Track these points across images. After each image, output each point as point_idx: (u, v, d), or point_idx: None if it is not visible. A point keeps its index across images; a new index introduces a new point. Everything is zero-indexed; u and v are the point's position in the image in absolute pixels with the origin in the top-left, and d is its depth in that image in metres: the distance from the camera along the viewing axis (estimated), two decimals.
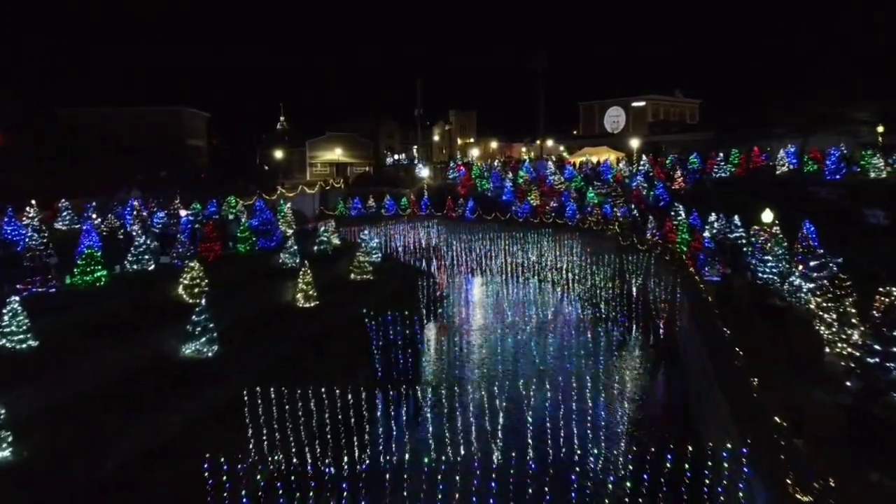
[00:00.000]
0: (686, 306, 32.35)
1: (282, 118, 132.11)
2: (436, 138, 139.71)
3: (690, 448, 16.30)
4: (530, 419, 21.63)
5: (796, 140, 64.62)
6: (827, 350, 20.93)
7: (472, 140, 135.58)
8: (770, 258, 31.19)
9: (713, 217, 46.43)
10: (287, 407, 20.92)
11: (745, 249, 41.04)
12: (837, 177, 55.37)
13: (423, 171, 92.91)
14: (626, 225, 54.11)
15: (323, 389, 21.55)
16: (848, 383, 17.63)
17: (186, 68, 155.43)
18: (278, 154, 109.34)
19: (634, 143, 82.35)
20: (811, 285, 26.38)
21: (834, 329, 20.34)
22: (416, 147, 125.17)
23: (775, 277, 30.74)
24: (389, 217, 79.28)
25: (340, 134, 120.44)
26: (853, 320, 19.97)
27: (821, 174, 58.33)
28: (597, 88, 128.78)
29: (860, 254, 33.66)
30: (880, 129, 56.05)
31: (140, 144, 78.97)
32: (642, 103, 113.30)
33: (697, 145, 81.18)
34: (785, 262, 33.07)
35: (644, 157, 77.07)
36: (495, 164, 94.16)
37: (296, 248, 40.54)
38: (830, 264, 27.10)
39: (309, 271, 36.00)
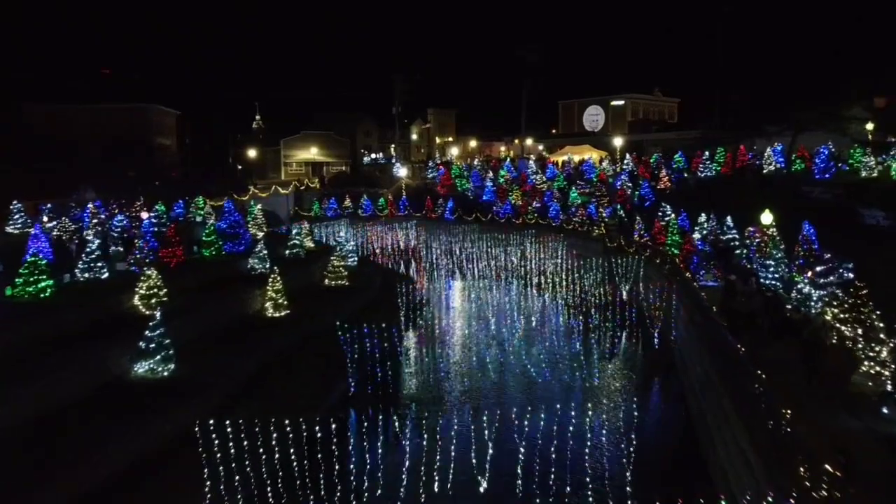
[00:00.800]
0: (683, 315, 30.35)
1: (257, 117, 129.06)
2: (414, 137, 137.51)
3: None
4: (520, 447, 19.31)
5: (784, 138, 63.15)
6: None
7: (450, 139, 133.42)
8: (771, 262, 29.23)
9: (703, 218, 44.63)
10: (250, 438, 18.41)
11: (738, 252, 39.29)
12: (827, 176, 53.85)
13: (401, 171, 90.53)
14: (612, 226, 52.15)
15: (288, 420, 19.04)
16: (884, 409, 15.63)
17: (160, 66, 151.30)
18: (252, 153, 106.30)
19: (618, 141, 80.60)
20: (820, 293, 24.44)
21: (860, 345, 18.31)
22: (393, 146, 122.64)
23: (778, 284, 28.81)
24: (366, 218, 76.84)
25: (316, 132, 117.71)
26: (881, 335, 17.95)
27: (809, 173, 56.89)
28: (575, 87, 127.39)
29: (862, 258, 31.95)
30: (870, 126, 54.69)
31: (105, 143, 75.65)
32: (622, 102, 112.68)
33: (681, 143, 79.72)
34: (784, 267, 31.22)
35: (628, 156, 75.29)
36: (475, 163, 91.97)
37: (265, 252, 37.97)
38: (841, 270, 25.17)
39: (279, 278, 33.50)
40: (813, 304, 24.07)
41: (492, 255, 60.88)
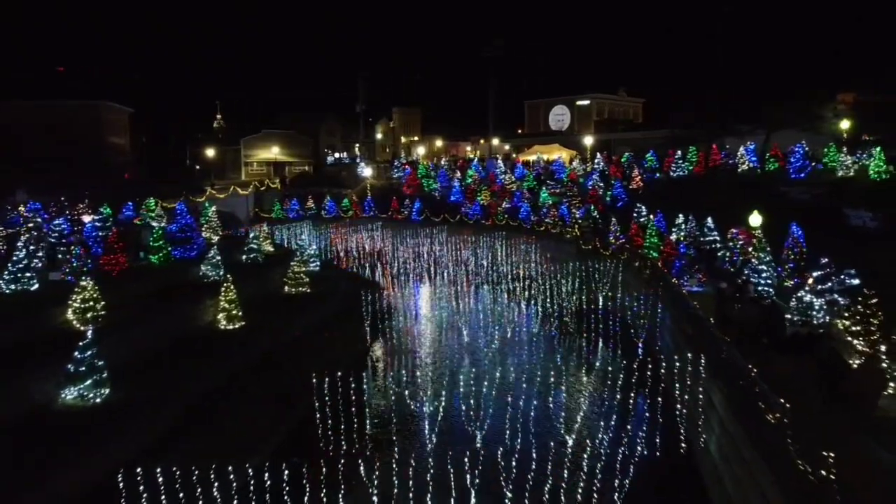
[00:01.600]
0: (669, 324, 28.37)
1: (218, 116, 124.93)
2: (379, 136, 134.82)
3: None
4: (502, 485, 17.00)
5: (756, 137, 62.03)
6: None
7: (416, 138, 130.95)
8: (763, 267, 27.38)
9: (680, 219, 42.93)
10: (185, 487, 15.73)
11: (720, 255, 37.59)
12: (802, 175, 52.77)
13: (366, 171, 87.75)
14: (586, 228, 50.20)
15: (230, 466, 16.38)
16: None
17: (116, 63, 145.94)
18: (210, 153, 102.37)
19: (588, 140, 78.95)
20: (821, 302, 22.58)
21: (885, 363, 16.38)
22: (358, 145, 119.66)
23: (770, 290, 26.99)
24: (330, 219, 73.96)
25: (278, 131, 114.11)
26: None
27: (784, 172, 55.80)
28: (541, 87, 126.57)
29: (852, 260, 30.37)
30: (845, 124, 53.74)
31: (50, 141, 71.43)
32: (587, 102, 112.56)
33: (650, 142, 78.51)
34: (772, 271, 29.48)
35: (599, 155, 73.69)
36: (442, 162, 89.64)
37: (219, 258, 35.02)
38: (843, 276, 23.37)
39: (233, 286, 30.65)
40: (816, 313, 22.17)
41: (461, 258, 58.58)
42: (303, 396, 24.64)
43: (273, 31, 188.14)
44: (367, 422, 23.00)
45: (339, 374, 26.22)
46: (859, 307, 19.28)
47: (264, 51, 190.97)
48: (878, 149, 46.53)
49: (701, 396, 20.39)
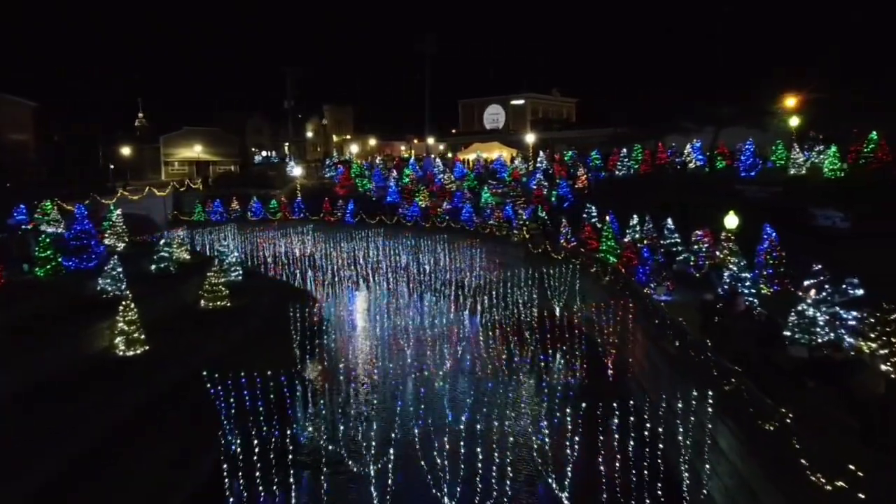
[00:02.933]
0: (640, 340, 25.08)
1: (140, 114, 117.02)
2: (309, 135, 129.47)
3: None
4: None
5: (704, 135, 60.14)
6: None
7: (348, 137, 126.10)
8: (747, 275, 24.38)
9: (635, 220, 40.05)
10: None
11: (680, 259, 34.71)
12: (753, 174, 50.89)
13: (296, 170, 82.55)
14: (534, 230, 46.82)
15: None
16: None
17: (27, 56, 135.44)
18: (126, 151, 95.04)
19: (530, 138, 76.02)
20: (825, 316, 19.56)
21: None
22: (287, 144, 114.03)
23: (754, 301, 23.98)
24: (257, 222, 68.65)
25: (201, 128, 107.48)
26: None
27: (732, 170, 53.96)
28: (474, 87, 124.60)
29: (829, 266, 27.82)
30: (795, 121, 52.14)
31: None
32: (522, 102, 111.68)
33: (591, 141, 76.40)
34: (745, 277, 26.55)
35: (542, 154, 70.82)
36: (377, 161, 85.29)
37: (120, 269, 29.97)
38: (846, 286, 20.43)
39: (133, 304, 25.84)
40: (820, 330, 19.12)
41: (401, 263, 54.44)
42: (213, 441, 20.15)
43: (199, 26, 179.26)
44: (292, 476, 18.62)
45: (261, 408, 21.87)
46: (885, 326, 16.19)
47: (190, 47, 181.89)
48: (833, 147, 44.82)
49: (688, 431, 17.02)
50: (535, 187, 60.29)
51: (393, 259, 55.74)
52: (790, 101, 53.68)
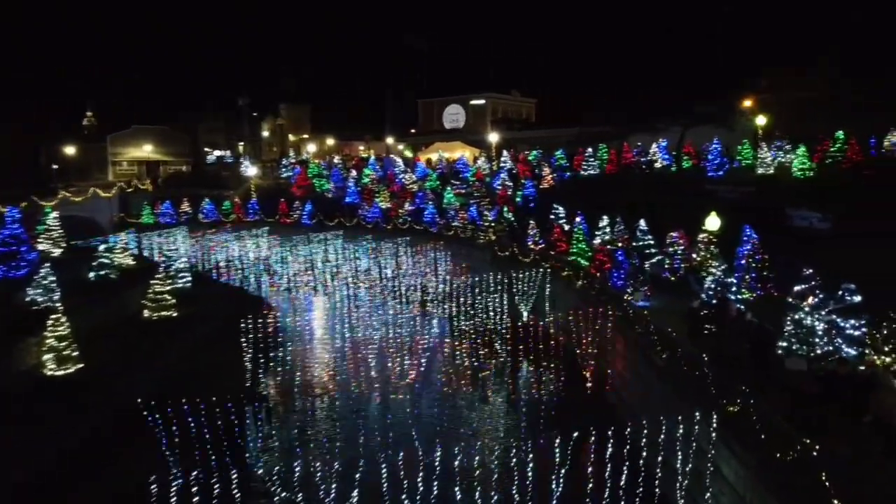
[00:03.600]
0: (622, 350, 23.49)
1: (88, 113, 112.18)
2: (265, 134, 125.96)
3: None
4: None
5: (669, 134, 59.38)
6: None
7: (306, 136, 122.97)
8: (732, 280, 22.95)
9: (605, 221, 38.59)
10: None
11: (654, 261, 33.32)
12: (721, 173, 50.02)
13: (250, 170, 79.56)
14: (501, 232, 45.07)
15: None
16: None
17: None
18: (71, 150, 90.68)
19: (493, 137, 74.38)
20: (822, 325, 18.16)
21: None
22: (242, 143, 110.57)
23: (741, 307, 22.54)
24: (209, 224, 65.55)
25: (150, 127, 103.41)
26: None
27: (699, 170, 53.10)
28: (433, 87, 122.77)
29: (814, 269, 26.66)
30: (761, 120, 51.50)
31: None
32: (482, 102, 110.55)
33: (554, 141, 75.11)
34: (724, 280, 25.21)
35: (506, 153, 69.22)
36: (336, 160, 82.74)
37: (53, 277, 27.28)
38: (843, 293, 19.06)
39: (64, 317, 23.24)
40: (819, 340, 17.70)
41: (361, 267, 52.15)
42: (162, 466, 17.80)
43: (150, 21, 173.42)
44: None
45: (207, 434, 19.59)
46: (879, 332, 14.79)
47: (142, 43, 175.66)
48: (802, 147, 44.13)
49: (687, 456, 15.40)
50: (499, 188, 58.66)
51: (353, 263, 53.41)
52: (753, 101, 53.22)
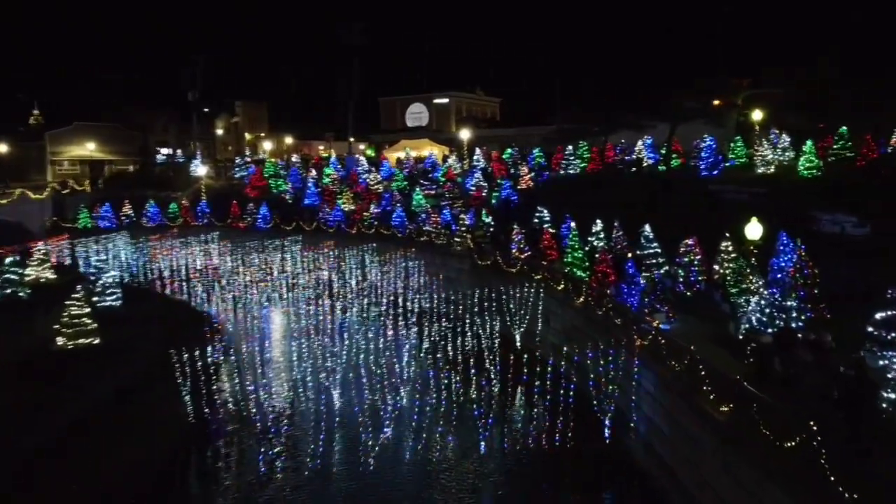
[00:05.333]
0: (655, 391, 18.82)
1: (35, 111, 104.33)
2: (220, 132, 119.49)
3: None
4: None
5: (655, 131, 55.33)
6: None
7: (263, 135, 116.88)
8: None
9: (598, 226, 34.11)
10: None
11: (664, 272, 28.90)
12: (715, 172, 46.01)
13: (200, 169, 73.38)
14: (481, 237, 40.19)
15: None
16: None
17: None
18: (2, 149, 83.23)
19: (465, 134, 69.58)
20: None
21: None
22: (194, 142, 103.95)
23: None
24: (152, 229, 59.43)
25: (94, 124, 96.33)
26: None
27: (692, 169, 49.10)
28: (395, 85, 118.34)
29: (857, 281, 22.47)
30: (758, 115, 47.74)
31: None
32: (445, 100, 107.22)
33: (529, 139, 70.79)
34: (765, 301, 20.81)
35: (478, 151, 64.52)
36: (294, 159, 77.10)
37: None
38: None
39: None
40: None
41: (323, 279, 46.75)
42: None
43: (97, 11, 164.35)
44: None
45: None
46: None
47: (87, 35, 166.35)
48: (810, 143, 40.25)
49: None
50: (473, 188, 53.87)
51: (313, 273, 48.00)
52: (748, 95, 49.61)
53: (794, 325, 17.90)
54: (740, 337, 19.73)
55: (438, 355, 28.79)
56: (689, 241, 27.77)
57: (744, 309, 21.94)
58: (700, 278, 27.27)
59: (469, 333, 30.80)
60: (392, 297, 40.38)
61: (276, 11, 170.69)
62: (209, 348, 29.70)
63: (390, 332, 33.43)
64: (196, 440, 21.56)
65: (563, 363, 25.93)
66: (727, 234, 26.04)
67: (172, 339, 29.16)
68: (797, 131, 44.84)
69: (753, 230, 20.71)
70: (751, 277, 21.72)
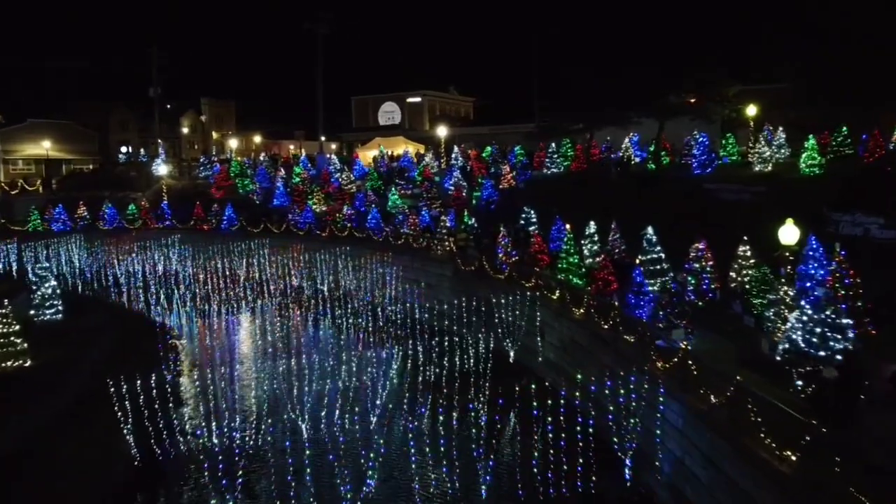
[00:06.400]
0: (688, 430, 15.91)
1: None
2: (185, 130, 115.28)
3: None
4: None
5: (642, 127, 52.91)
6: None
7: (230, 133, 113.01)
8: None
9: (592, 228, 31.33)
10: None
11: (664, 279, 26.17)
12: (709, 170, 43.53)
13: (162, 168, 69.43)
14: (464, 241, 37.12)
15: None
16: None
17: None
18: None
19: (441, 132, 66.47)
20: None
21: None
22: (160, 140, 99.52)
23: (838, 358, 15.28)
24: (109, 232, 55.45)
25: (49, 122, 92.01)
26: None
27: (681, 168, 46.71)
28: (367, 84, 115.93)
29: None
30: (752, 110, 45.40)
31: None
32: (418, 99, 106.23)
33: (507, 138, 68.17)
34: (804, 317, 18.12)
35: (456, 149, 61.57)
36: (261, 158, 73.43)
37: None
38: None
39: None
40: None
41: (292, 286, 43.37)
42: None
43: (56, 6, 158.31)
44: None
45: None
46: None
47: (45, 30, 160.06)
48: (812, 139, 37.92)
49: None
50: (452, 188, 50.84)
51: (282, 279, 44.59)
52: (740, 90, 47.25)
53: (850, 346, 15.08)
54: (777, 358, 16.99)
55: (425, 376, 25.60)
56: (700, 246, 25.07)
57: (771, 323, 19.27)
58: (713, 286, 24.62)
59: (457, 350, 27.58)
60: (368, 307, 37.09)
61: (246, 7, 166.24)
62: (163, 368, 26.39)
63: (369, 349, 30.10)
64: (141, 487, 18.19)
65: (563, 383, 22.98)
66: (745, 238, 23.39)
67: (119, 359, 25.85)
68: (800, 127, 42.50)
69: (789, 233, 17.93)
70: (785, 288, 18.90)
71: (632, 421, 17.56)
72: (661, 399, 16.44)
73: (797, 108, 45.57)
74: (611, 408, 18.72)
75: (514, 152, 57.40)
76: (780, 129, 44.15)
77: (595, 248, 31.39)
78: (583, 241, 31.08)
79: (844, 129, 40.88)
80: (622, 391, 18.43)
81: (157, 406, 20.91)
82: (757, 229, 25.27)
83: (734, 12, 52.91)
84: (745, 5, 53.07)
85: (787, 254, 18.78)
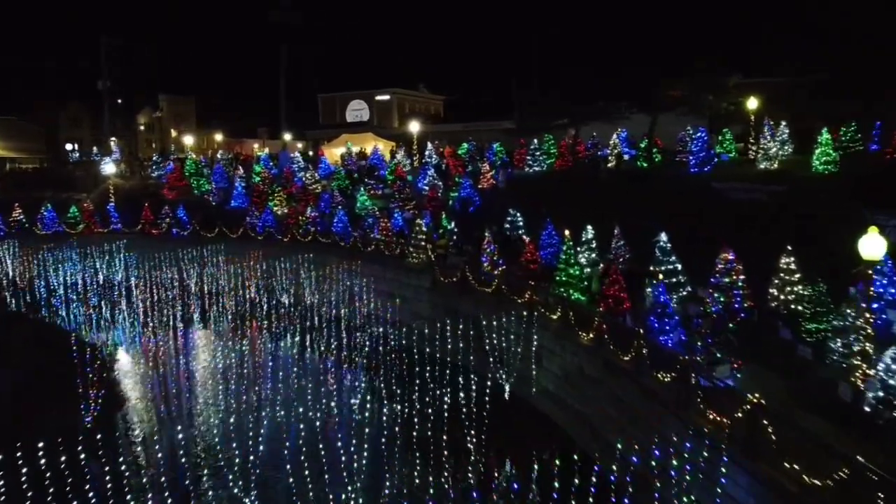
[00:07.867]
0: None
1: None
2: (142, 128, 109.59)
3: None
4: None
5: (630, 123, 49.33)
6: None
7: (190, 132, 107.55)
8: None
9: (589, 234, 27.34)
10: None
11: (682, 295, 22.27)
12: (707, 168, 39.99)
13: (108, 167, 64.04)
14: (443, 247, 32.81)
15: None
16: None
17: None
18: None
19: (414, 127, 62.08)
20: None
21: None
22: (107, 137, 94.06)
23: None
24: (47, 238, 50.05)
25: None
26: None
27: (673, 164, 43.25)
28: (334, 82, 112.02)
29: None
30: (753, 103, 41.99)
31: None
32: (387, 97, 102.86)
33: (482, 136, 64.21)
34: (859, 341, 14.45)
35: (430, 146, 57.34)
36: (219, 156, 68.35)
37: None
38: None
39: None
40: None
41: (249, 299, 38.67)
42: None
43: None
44: None
45: None
46: None
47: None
48: (826, 133, 34.56)
49: None
50: (426, 188, 46.57)
51: (237, 291, 39.89)
52: (738, 83, 44.02)
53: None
54: (867, 409, 13.08)
55: (402, 403, 21.21)
56: (730, 256, 21.13)
57: (840, 357, 15.43)
58: (746, 305, 20.70)
59: (443, 377, 23.23)
60: (333, 325, 32.53)
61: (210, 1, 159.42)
62: (82, 408, 21.63)
63: (334, 373, 25.62)
64: None
65: (573, 426, 18.84)
66: (789, 248, 19.54)
67: (44, 376, 21.10)
68: (804, 122, 39.41)
69: (873, 245, 14.03)
70: (852, 313, 15.04)
71: (676, 493, 13.38)
72: (722, 469, 12.35)
73: (798, 105, 42.40)
74: (648, 473, 14.55)
75: (492, 149, 53.33)
76: (783, 123, 40.87)
77: (593, 255, 27.44)
78: (579, 249, 27.09)
79: (853, 124, 37.93)
80: (658, 436, 14.35)
81: (83, 447, 15.86)
82: (785, 234, 21.68)
83: (734, 12, 49.70)
84: (745, 5, 49.91)
85: (870, 270, 14.84)
